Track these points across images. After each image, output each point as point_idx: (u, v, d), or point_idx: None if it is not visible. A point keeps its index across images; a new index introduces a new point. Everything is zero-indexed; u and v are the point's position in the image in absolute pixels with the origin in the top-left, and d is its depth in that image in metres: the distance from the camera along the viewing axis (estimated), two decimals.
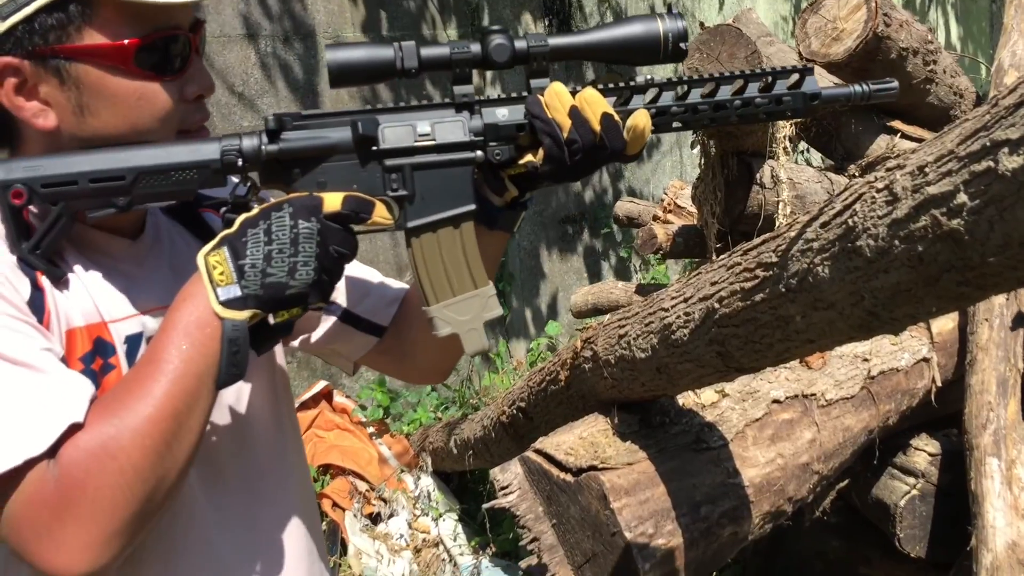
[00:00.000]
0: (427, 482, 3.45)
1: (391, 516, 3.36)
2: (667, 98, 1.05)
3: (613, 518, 1.57)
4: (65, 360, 0.95)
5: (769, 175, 2.57)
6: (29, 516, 0.84)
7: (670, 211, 3.66)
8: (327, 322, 1.25)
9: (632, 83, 1.04)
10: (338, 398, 3.76)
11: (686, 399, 1.84)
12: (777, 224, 2.51)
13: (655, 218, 3.62)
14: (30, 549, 0.85)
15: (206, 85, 1.02)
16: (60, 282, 0.97)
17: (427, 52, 0.98)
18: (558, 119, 0.98)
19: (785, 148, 2.56)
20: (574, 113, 0.98)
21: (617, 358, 1.68)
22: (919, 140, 2.74)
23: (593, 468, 1.63)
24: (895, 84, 1.09)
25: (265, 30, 3.86)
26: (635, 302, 3.60)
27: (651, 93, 1.04)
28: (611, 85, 1.04)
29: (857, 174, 2.73)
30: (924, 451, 2.30)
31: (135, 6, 0.93)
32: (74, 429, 0.86)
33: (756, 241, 1.27)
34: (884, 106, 2.85)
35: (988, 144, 0.81)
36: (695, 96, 1.05)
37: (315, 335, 1.26)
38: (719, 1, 6.44)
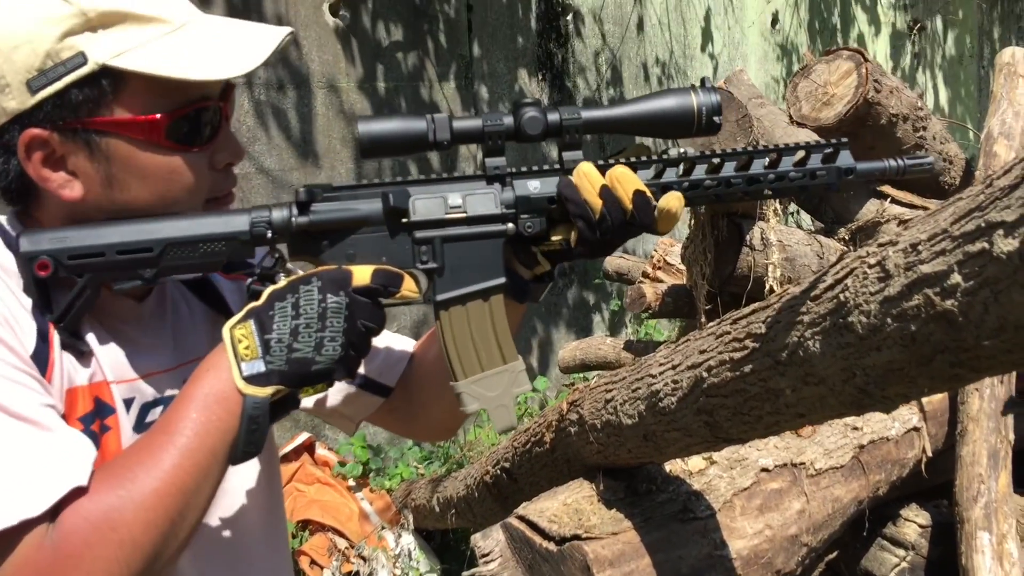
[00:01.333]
0: (408, 540, 3.38)
1: (370, 575, 3.28)
2: (700, 171, 1.03)
3: None
4: (64, 419, 0.91)
5: (759, 237, 2.56)
6: None
7: (659, 268, 3.64)
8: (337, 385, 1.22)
9: (666, 156, 1.03)
10: (320, 450, 3.70)
11: (673, 466, 1.80)
12: (767, 286, 2.49)
13: (644, 275, 3.60)
14: None
15: (236, 153, 1.01)
16: (73, 350, 0.95)
17: (459, 124, 0.98)
18: (590, 200, 0.97)
19: (775, 210, 2.55)
20: (605, 193, 0.97)
21: (603, 423, 1.65)
22: (909, 205, 2.74)
23: (577, 537, 1.58)
24: (931, 160, 1.08)
25: (259, 78, 3.87)
26: (623, 358, 3.58)
27: (684, 167, 1.03)
28: (644, 158, 1.03)
29: (847, 238, 2.73)
30: (914, 522, 2.27)
31: (166, 82, 0.91)
32: (77, 493, 0.82)
33: (746, 310, 1.25)
34: None
35: (983, 225, 0.80)
36: (728, 170, 1.04)
37: (326, 400, 1.24)
38: (712, 62, 6.51)
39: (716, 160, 1.03)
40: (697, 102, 1.00)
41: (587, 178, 0.98)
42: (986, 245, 0.78)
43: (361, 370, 1.22)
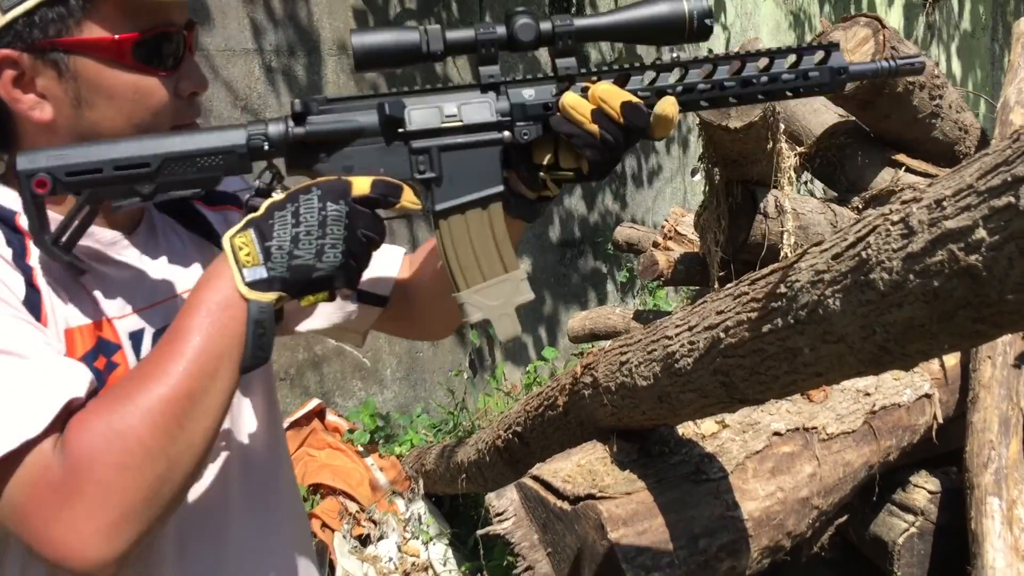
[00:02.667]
0: (419, 505, 3.41)
1: (381, 538, 3.31)
2: (694, 75, 1.03)
3: (610, 548, 1.54)
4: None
5: (773, 205, 2.56)
6: (35, 502, 0.81)
7: (670, 238, 3.64)
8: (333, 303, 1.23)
9: (659, 62, 1.03)
10: (331, 416, 3.73)
11: (686, 429, 1.82)
12: (781, 254, 2.49)
13: (655, 244, 3.60)
14: (37, 537, 0.81)
15: (200, 82, 1.03)
16: (58, 282, 0.96)
17: (453, 35, 0.98)
18: (588, 128, 0.97)
19: (790, 178, 2.55)
20: (597, 115, 0.98)
21: (618, 385, 1.66)
22: (923, 174, 2.74)
23: (591, 496, 1.60)
24: (922, 60, 1.08)
25: (270, 44, 3.86)
26: (633, 328, 3.59)
27: (678, 72, 1.03)
28: (637, 64, 1.03)
29: (861, 207, 2.72)
30: (924, 488, 2.28)
31: (134, 2, 0.94)
32: (73, 404, 0.84)
33: (764, 271, 1.25)
34: (889, 139, 2.85)
35: (1009, 179, 0.80)
36: (722, 73, 1.04)
37: (325, 316, 1.26)
38: (724, 32, 6.47)
39: (710, 65, 1.03)
40: (688, 6, 1.00)
41: (575, 109, 0.98)
42: (1012, 199, 0.78)
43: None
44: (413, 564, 3.27)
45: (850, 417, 2.00)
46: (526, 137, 1.00)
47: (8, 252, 0.94)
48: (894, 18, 8.11)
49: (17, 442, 0.80)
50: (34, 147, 0.96)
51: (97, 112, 0.96)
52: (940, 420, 2.18)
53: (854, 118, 2.90)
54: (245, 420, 1.15)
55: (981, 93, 7.02)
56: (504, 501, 1.70)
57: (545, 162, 1.02)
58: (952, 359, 2.25)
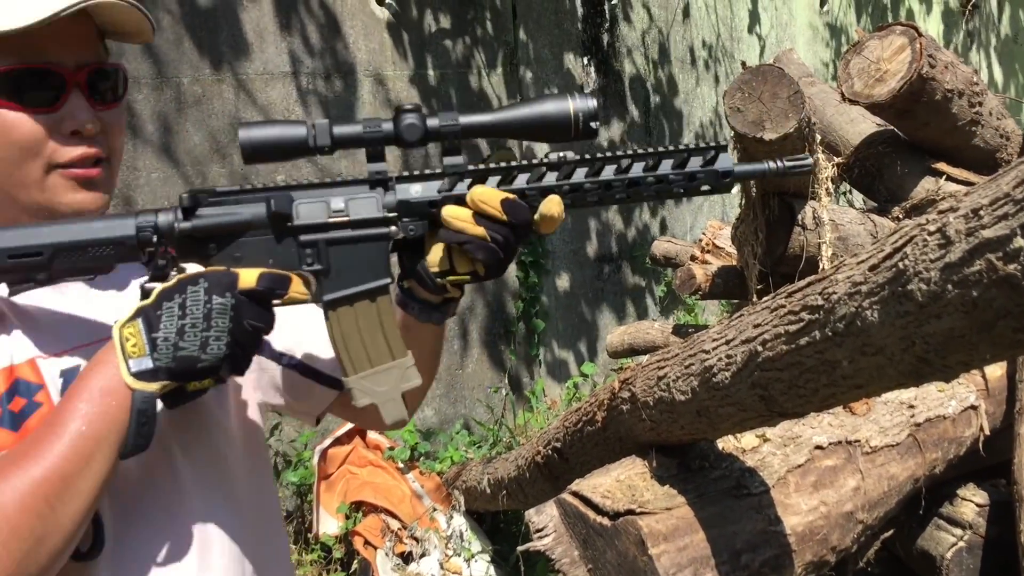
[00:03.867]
0: (460, 521, 3.41)
1: (423, 555, 3.32)
2: (580, 175, 1.05)
3: (651, 564, 1.54)
4: None
5: (811, 216, 2.54)
6: None
7: (708, 251, 3.63)
8: (290, 378, 1.25)
9: (546, 159, 1.05)
10: (372, 434, 3.75)
11: (726, 443, 1.80)
12: (820, 266, 2.47)
13: (692, 258, 3.59)
14: None
15: (81, 122, 1.02)
16: None
17: (340, 130, 1.00)
18: (473, 232, 1.00)
19: (827, 189, 2.53)
20: (479, 219, 1.01)
21: (656, 400, 1.65)
22: (964, 182, 2.70)
23: (631, 512, 1.59)
24: (809, 161, 1.11)
25: (307, 67, 3.92)
26: (672, 342, 3.57)
27: (564, 171, 1.05)
28: (525, 162, 1.05)
29: (901, 216, 2.69)
30: (971, 501, 2.24)
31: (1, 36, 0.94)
32: None
33: (801, 283, 1.25)
34: (928, 147, 2.81)
35: None
36: (608, 173, 1.06)
37: (284, 397, 1.27)
38: (759, 43, 6.44)
39: (597, 164, 1.05)
40: (574, 107, 1.02)
41: (457, 218, 1.01)
42: None
43: (314, 364, 1.25)
44: None
45: (894, 430, 1.97)
46: (412, 232, 1.03)
47: None
48: (933, 26, 8.03)
49: None
50: None
51: None
52: (987, 432, 2.14)
53: (892, 127, 2.87)
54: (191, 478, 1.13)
55: (1023, 99, 6.90)
56: (544, 517, 1.70)
57: (440, 269, 1.04)
58: (997, 370, 2.21)
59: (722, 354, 1.43)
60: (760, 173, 1.09)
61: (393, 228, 1.03)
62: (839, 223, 2.59)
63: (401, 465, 3.66)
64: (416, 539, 3.35)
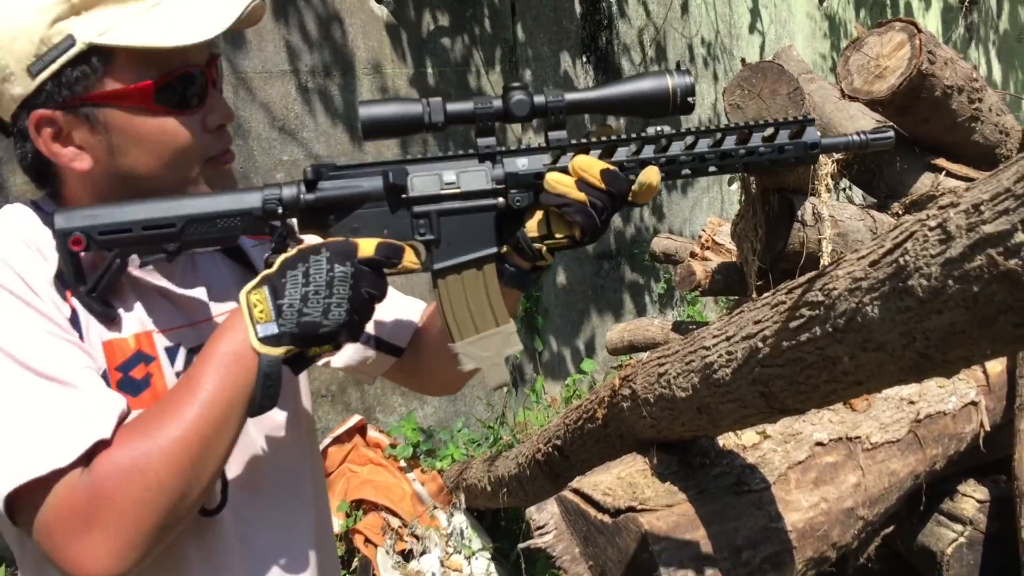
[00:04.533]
0: (460, 519, 3.41)
1: (423, 553, 3.32)
2: (676, 148, 1.10)
3: (652, 561, 1.54)
4: (105, 371, 1.02)
5: (811, 212, 2.54)
6: (60, 522, 0.90)
7: (707, 248, 3.63)
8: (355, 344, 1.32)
9: (644, 134, 1.09)
10: (372, 432, 3.75)
11: (726, 440, 1.80)
12: (820, 262, 2.47)
13: (692, 255, 3.59)
14: (59, 553, 0.90)
15: (225, 115, 1.10)
16: (108, 319, 1.04)
17: (453, 107, 1.05)
18: (575, 197, 1.04)
19: (827, 185, 2.52)
20: (581, 185, 1.05)
21: (656, 397, 1.65)
22: (964, 178, 2.70)
23: (632, 509, 1.59)
24: (891, 134, 1.13)
25: (306, 65, 3.92)
26: (672, 339, 3.57)
27: (661, 143, 1.09)
28: (624, 136, 1.09)
29: (901, 212, 2.69)
30: (972, 497, 2.24)
31: (146, 52, 1.01)
32: (101, 445, 0.92)
33: (801, 279, 1.25)
34: (928, 143, 2.81)
35: None
36: (702, 146, 1.10)
37: (347, 358, 1.35)
38: (759, 39, 6.44)
39: (691, 138, 1.10)
40: (672, 84, 1.06)
41: (560, 183, 1.05)
42: None
43: (374, 331, 1.33)
44: None
45: (894, 426, 1.97)
46: (519, 203, 1.08)
47: (51, 271, 1.02)
48: (931, 21, 8.02)
49: (48, 469, 0.90)
50: (74, 191, 1.07)
51: (130, 157, 1.04)
52: (987, 427, 2.14)
53: (892, 123, 2.87)
54: (274, 425, 1.22)
55: (1022, 95, 6.90)
56: (545, 515, 1.70)
57: (538, 233, 1.08)
58: (997, 365, 2.21)
59: (723, 351, 1.43)
60: (844, 145, 1.12)
61: (501, 200, 1.08)
62: (839, 219, 2.59)
63: (403, 464, 3.66)
64: (417, 537, 3.35)
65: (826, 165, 2.51)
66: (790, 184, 2.53)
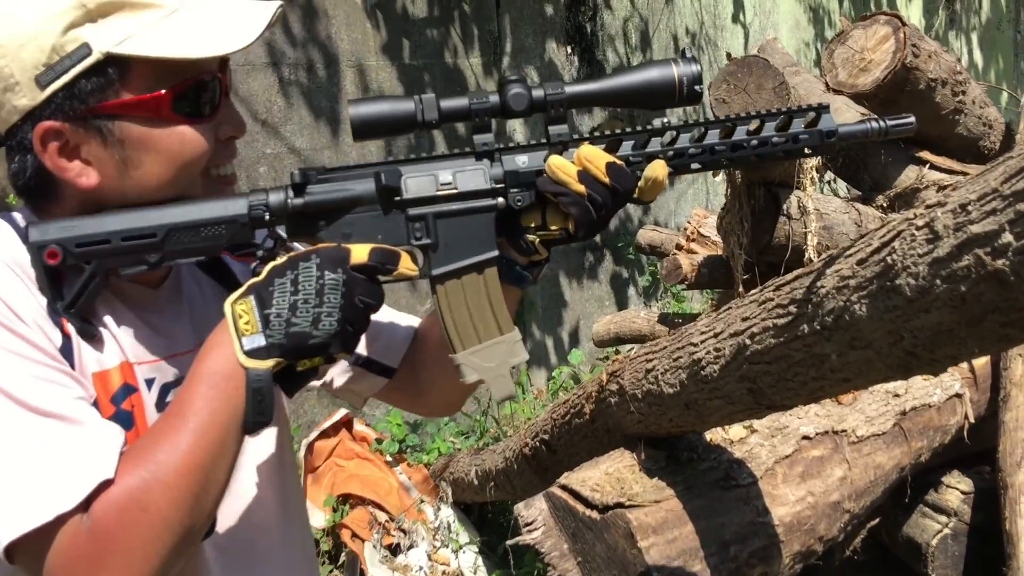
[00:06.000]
0: (447, 513, 3.41)
1: (411, 547, 3.32)
2: (684, 140, 1.05)
3: (640, 557, 1.54)
4: (97, 403, 0.97)
5: (796, 205, 2.54)
6: (63, 566, 0.86)
7: (693, 240, 3.63)
8: (341, 364, 1.27)
9: (649, 127, 1.05)
10: (358, 426, 3.74)
11: (713, 435, 1.81)
12: (805, 255, 2.48)
13: (678, 247, 3.59)
14: None
15: (238, 125, 1.05)
16: (89, 335, 0.99)
17: (447, 104, 1.01)
18: (574, 188, 1.00)
19: (812, 178, 2.53)
20: (583, 176, 1.00)
21: (644, 393, 1.65)
22: (948, 171, 2.71)
23: (620, 505, 1.59)
24: (911, 120, 1.09)
25: (289, 58, 3.89)
26: (658, 331, 3.58)
27: (668, 136, 1.05)
28: (628, 130, 1.05)
29: (885, 205, 2.70)
30: (956, 489, 2.25)
31: (164, 61, 0.95)
32: (105, 485, 0.87)
33: (789, 276, 1.25)
34: (913, 137, 2.82)
35: None
36: (712, 137, 1.05)
37: (334, 379, 1.30)
38: (743, 31, 6.44)
39: (700, 129, 1.05)
40: (678, 72, 1.02)
41: (561, 170, 1.01)
42: None
43: (364, 351, 1.27)
44: (443, 573, 3.28)
45: (880, 419, 1.98)
46: (519, 203, 1.03)
47: (43, 300, 0.96)
48: (914, 12, 8.05)
49: (52, 515, 0.85)
50: (70, 210, 1.00)
51: (143, 169, 0.99)
52: (971, 420, 2.15)
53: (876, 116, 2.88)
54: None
55: (1003, 87, 6.94)
56: (533, 511, 1.70)
57: (532, 224, 1.04)
58: (981, 358, 2.23)
59: (710, 347, 1.43)
60: (863, 133, 1.07)
61: (500, 200, 1.03)
62: (824, 212, 2.60)
63: (389, 458, 3.65)
64: (404, 531, 3.35)
65: (811, 158, 2.52)
66: (775, 177, 2.54)
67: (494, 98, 1.02)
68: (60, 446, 0.87)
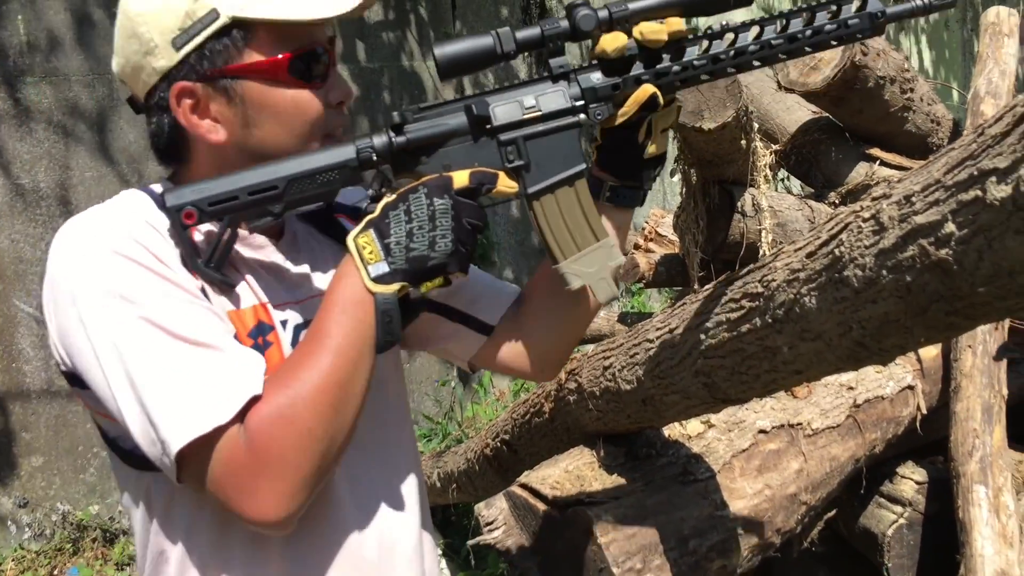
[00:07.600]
0: None
1: None
2: (744, 39, 1.11)
3: (600, 553, 1.55)
4: (236, 337, 1.06)
5: (750, 203, 2.58)
6: (229, 477, 0.97)
7: (651, 239, 3.65)
8: (443, 322, 1.33)
9: (710, 30, 1.10)
10: None
11: (672, 430, 1.82)
12: (760, 253, 2.51)
13: (636, 246, 3.61)
14: (234, 504, 0.97)
15: (347, 92, 1.14)
16: (228, 285, 1.08)
17: (522, 35, 1.08)
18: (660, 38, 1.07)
19: (766, 176, 2.56)
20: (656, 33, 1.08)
21: (602, 390, 1.66)
22: (898, 167, 2.76)
23: (579, 502, 1.60)
24: None
25: None
26: (617, 331, 3.60)
27: (729, 37, 1.10)
28: (691, 36, 1.11)
29: (837, 202, 2.74)
30: (911, 479, 2.29)
31: (285, 26, 1.05)
32: (254, 400, 0.97)
33: (741, 272, 1.26)
34: (862, 134, 2.87)
35: (975, 173, 0.81)
36: (769, 33, 1.10)
37: (435, 339, 1.35)
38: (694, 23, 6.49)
39: (757, 27, 1.10)
40: None
41: (654, 32, 1.07)
42: (979, 193, 0.79)
43: (465, 309, 1.32)
44: None
45: (834, 412, 2.01)
46: (599, 116, 1.10)
47: (178, 251, 1.05)
48: None
49: (211, 427, 0.95)
50: (203, 165, 1.10)
51: (263, 129, 1.08)
52: (924, 411, 2.19)
53: (827, 114, 2.92)
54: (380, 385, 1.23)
55: (952, 84, 7.08)
56: (494, 510, 1.70)
57: (640, 140, 1.12)
58: (932, 350, 2.27)
59: (665, 343, 1.44)
60: (909, 12, 1.11)
61: (582, 116, 1.10)
62: (778, 209, 2.63)
63: None
64: None
65: (764, 157, 2.55)
66: (730, 176, 2.57)
67: (564, 23, 1.07)
68: (212, 369, 0.97)
